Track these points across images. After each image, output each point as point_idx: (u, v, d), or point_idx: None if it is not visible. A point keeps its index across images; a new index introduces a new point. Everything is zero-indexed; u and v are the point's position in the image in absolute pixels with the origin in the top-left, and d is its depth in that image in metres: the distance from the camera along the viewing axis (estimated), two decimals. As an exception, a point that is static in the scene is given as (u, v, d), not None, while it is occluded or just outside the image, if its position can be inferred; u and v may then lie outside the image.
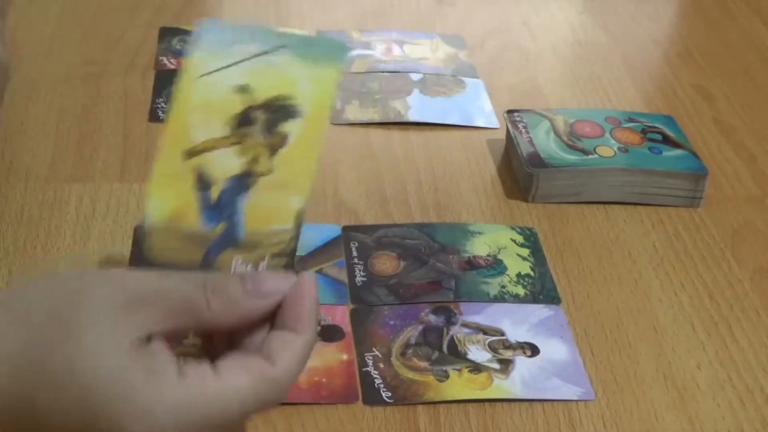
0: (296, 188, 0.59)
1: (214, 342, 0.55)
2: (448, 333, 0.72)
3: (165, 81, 0.99)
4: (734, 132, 0.98)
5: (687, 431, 0.66)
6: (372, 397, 0.66)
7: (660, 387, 0.69)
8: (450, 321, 0.73)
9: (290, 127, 0.58)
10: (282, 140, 0.58)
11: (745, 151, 0.96)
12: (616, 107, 1.01)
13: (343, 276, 0.76)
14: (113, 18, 1.10)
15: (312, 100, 0.58)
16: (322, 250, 0.78)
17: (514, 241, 0.81)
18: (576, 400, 0.68)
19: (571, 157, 0.86)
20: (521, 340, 0.72)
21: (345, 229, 0.81)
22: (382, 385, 0.67)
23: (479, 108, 0.99)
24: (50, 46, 1.04)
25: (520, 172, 0.88)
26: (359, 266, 0.77)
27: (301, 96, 0.59)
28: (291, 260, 0.58)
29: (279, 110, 0.58)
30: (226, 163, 0.57)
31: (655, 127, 0.92)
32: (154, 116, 0.94)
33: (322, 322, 0.71)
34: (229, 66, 0.59)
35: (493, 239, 0.81)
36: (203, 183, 0.57)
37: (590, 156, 0.86)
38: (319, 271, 0.76)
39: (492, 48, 1.11)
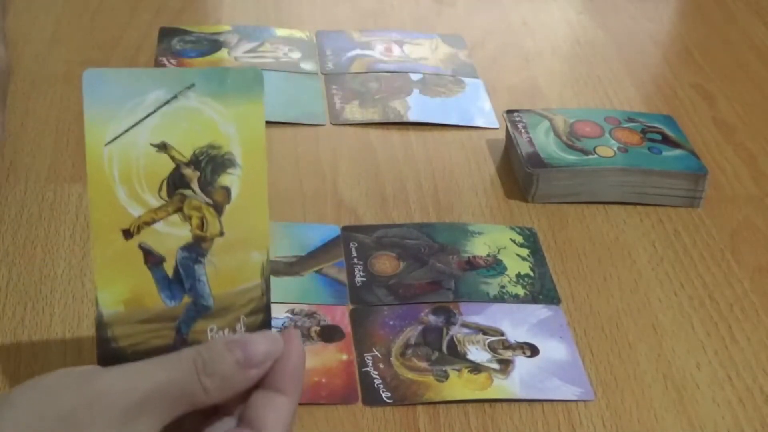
0: (255, 243, 0.56)
1: None
2: (447, 333, 0.72)
3: (165, 81, 0.98)
4: (734, 132, 0.98)
5: (687, 431, 0.66)
6: (372, 398, 0.66)
7: (660, 387, 0.69)
8: (450, 321, 0.73)
9: (229, 180, 0.54)
10: (225, 196, 0.55)
11: (745, 151, 0.96)
12: (615, 107, 1.01)
13: (343, 276, 0.76)
14: (113, 18, 1.10)
15: (241, 143, 0.54)
16: (321, 250, 0.78)
17: (513, 241, 0.81)
18: (576, 401, 0.68)
19: (571, 157, 0.86)
20: (521, 340, 0.72)
21: (345, 229, 0.81)
22: (381, 386, 0.67)
23: (479, 108, 0.99)
24: (50, 46, 1.04)
25: (519, 172, 0.88)
26: (359, 266, 0.77)
27: (227, 141, 0.54)
28: (267, 315, 0.57)
29: (210, 163, 0.54)
30: (172, 234, 0.54)
31: (654, 127, 0.92)
32: (154, 116, 0.93)
33: (322, 323, 0.71)
34: (136, 125, 0.53)
35: (492, 239, 0.81)
36: (153, 259, 0.55)
37: (590, 156, 0.86)
38: (318, 271, 0.76)
39: (492, 48, 1.11)
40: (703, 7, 1.23)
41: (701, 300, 0.77)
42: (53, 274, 0.74)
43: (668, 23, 1.22)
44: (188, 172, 0.55)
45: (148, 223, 0.54)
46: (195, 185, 0.55)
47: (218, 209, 0.55)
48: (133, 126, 0.54)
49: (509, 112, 0.93)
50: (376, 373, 0.68)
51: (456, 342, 0.71)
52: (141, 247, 0.54)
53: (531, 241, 0.81)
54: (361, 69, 1.03)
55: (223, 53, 1.04)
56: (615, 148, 0.88)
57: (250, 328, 0.57)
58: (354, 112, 0.97)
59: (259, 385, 0.54)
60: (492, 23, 1.16)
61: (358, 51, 1.07)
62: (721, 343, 0.73)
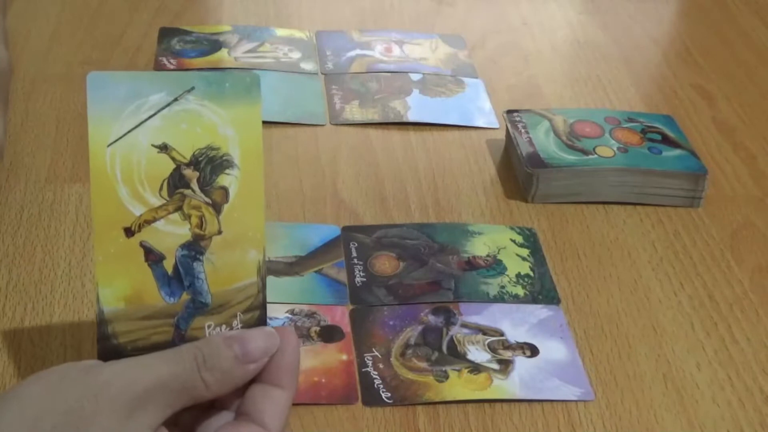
0: (252, 242, 0.57)
1: None
2: (447, 333, 0.72)
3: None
4: (734, 132, 0.98)
5: (687, 431, 0.66)
6: (371, 398, 0.66)
7: (659, 387, 0.69)
8: (449, 321, 0.73)
9: (227, 180, 0.56)
10: (223, 196, 0.56)
11: (745, 151, 0.96)
12: (615, 107, 1.01)
13: (343, 276, 0.76)
14: (113, 18, 1.10)
15: (239, 145, 0.56)
16: (321, 250, 0.78)
17: (513, 241, 0.81)
18: (575, 401, 0.68)
19: (571, 157, 0.86)
20: (521, 340, 0.72)
21: (344, 229, 0.81)
22: (381, 386, 0.67)
23: (479, 108, 0.99)
24: (50, 46, 1.04)
25: (519, 172, 0.88)
26: (359, 266, 0.77)
27: (225, 143, 0.56)
28: (263, 312, 0.58)
29: (209, 164, 0.56)
30: (172, 233, 0.56)
31: (654, 127, 0.92)
32: (154, 116, 0.94)
33: (322, 323, 0.71)
34: (137, 126, 0.55)
35: (492, 239, 0.81)
36: (154, 257, 0.56)
37: (590, 156, 0.86)
38: (318, 272, 0.76)
39: (492, 48, 1.11)
40: (703, 7, 1.23)
41: (701, 300, 0.77)
42: (53, 274, 0.74)
43: (668, 23, 1.22)
44: (188, 172, 0.56)
45: (149, 222, 0.55)
46: (195, 185, 0.56)
47: (217, 209, 0.56)
48: (135, 127, 0.55)
49: (509, 112, 0.93)
50: (375, 373, 0.68)
51: (456, 342, 0.71)
52: (142, 245, 0.55)
53: (531, 241, 0.81)
54: (361, 69, 1.03)
55: (223, 53, 1.04)
56: (615, 148, 0.88)
57: (247, 325, 0.58)
58: (354, 112, 0.97)
59: (256, 379, 0.55)
60: (492, 23, 1.16)
61: (358, 51, 1.07)
62: (721, 343, 0.73)
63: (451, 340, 0.71)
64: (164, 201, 0.56)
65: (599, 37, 1.15)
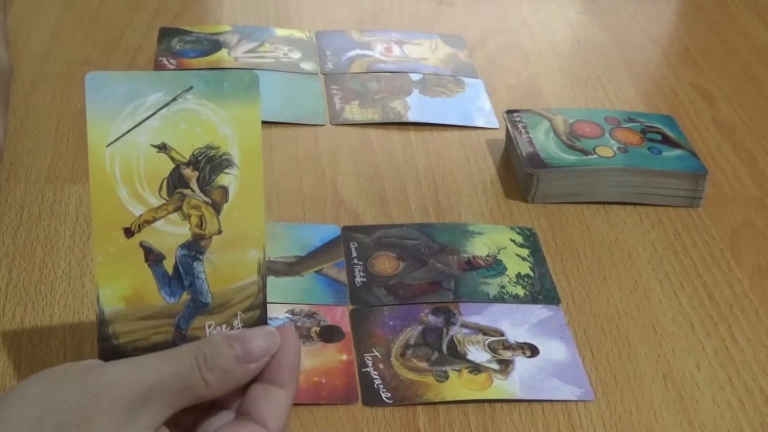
0: (252, 241, 0.57)
1: None
2: (447, 333, 0.72)
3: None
4: (734, 132, 0.98)
5: (687, 431, 0.66)
6: (371, 398, 0.66)
7: (659, 387, 0.69)
8: (449, 321, 0.73)
9: (227, 180, 0.56)
10: (222, 195, 0.56)
11: (745, 151, 0.96)
12: (615, 107, 1.01)
13: (343, 276, 0.76)
14: (113, 18, 1.10)
15: (238, 144, 0.56)
16: (321, 250, 0.78)
17: (513, 241, 0.81)
18: (575, 401, 0.68)
19: (571, 157, 0.86)
20: (521, 340, 0.72)
21: (344, 229, 0.81)
22: (381, 386, 0.67)
23: (479, 108, 0.99)
24: (50, 46, 1.04)
25: (519, 172, 0.88)
26: (359, 267, 0.77)
27: (225, 142, 0.56)
28: (263, 311, 0.58)
29: (208, 163, 0.56)
30: (172, 232, 0.56)
31: (654, 127, 0.92)
32: (154, 116, 0.94)
33: (322, 323, 0.71)
34: (136, 126, 0.55)
35: (492, 239, 0.81)
36: (154, 257, 0.56)
37: (590, 156, 0.86)
38: (318, 272, 0.76)
39: (492, 48, 1.11)
40: (703, 7, 1.23)
41: (701, 300, 0.77)
42: (53, 274, 0.74)
43: (668, 23, 1.22)
44: (187, 172, 0.56)
45: (148, 222, 0.55)
46: (194, 185, 0.56)
47: (216, 208, 0.56)
48: (134, 127, 0.55)
49: (509, 112, 0.93)
50: (376, 373, 0.68)
51: (456, 342, 0.71)
52: (142, 245, 0.55)
53: (531, 241, 0.81)
54: (361, 69, 1.03)
55: (223, 53, 1.04)
56: (615, 148, 0.88)
57: (248, 324, 0.58)
58: (354, 112, 0.97)
59: (257, 378, 0.55)
60: (492, 23, 1.16)
61: (357, 51, 1.07)
62: (721, 343, 0.73)
63: (451, 340, 0.71)
64: (164, 201, 0.56)
65: (599, 37, 1.15)
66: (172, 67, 1.01)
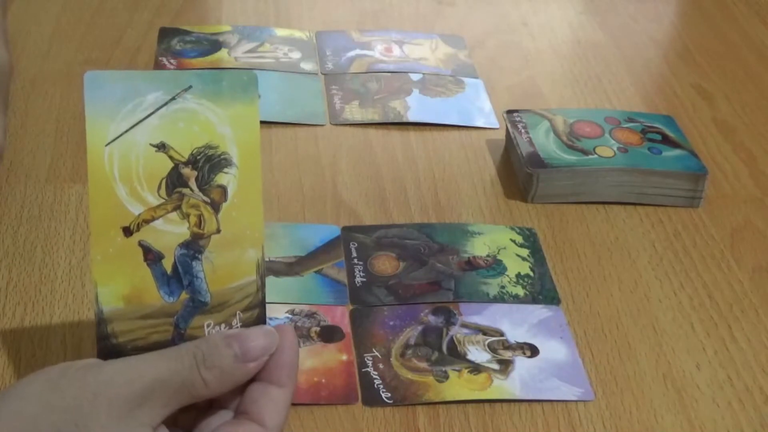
0: (251, 240, 0.57)
1: None
2: (447, 333, 0.72)
3: (165, 81, 0.98)
4: (734, 132, 0.98)
5: (686, 431, 0.66)
6: (371, 398, 0.66)
7: (659, 387, 0.69)
8: (449, 321, 0.73)
9: (225, 179, 0.56)
10: (221, 195, 0.56)
11: (745, 151, 0.96)
12: (615, 107, 1.01)
13: (343, 276, 0.76)
14: (113, 18, 1.10)
15: (237, 143, 0.56)
16: (321, 250, 0.78)
17: (513, 241, 0.81)
18: (575, 401, 0.68)
19: (571, 157, 0.86)
20: (521, 340, 0.72)
21: (344, 229, 0.81)
22: (381, 386, 0.67)
23: (479, 108, 0.99)
24: (50, 46, 1.04)
25: (519, 172, 0.88)
26: (359, 267, 0.77)
27: (223, 141, 0.56)
28: (262, 311, 0.58)
29: (207, 162, 0.56)
30: (171, 232, 0.56)
31: (654, 127, 0.92)
32: (154, 116, 0.94)
33: (322, 323, 0.71)
34: (135, 125, 0.55)
35: (492, 239, 0.81)
36: (153, 256, 0.56)
37: (590, 156, 0.86)
38: (318, 272, 0.76)
39: (492, 48, 1.11)
40: (703, 7, 1.23)
41: (701, 300, 0.77)
42: (53, 274, 0.74)
43: (668, 23, 1.22)
44: (186, 171, 0.56)
45: (147, 221, 0.55)
46: (193, 184, 0.56)
47: (215, 207, 0.56)
48: (132, 126, 0.55)
49: (509, 112, 0.93)
50: (376, 373, 0.68)
51: (456, 342, 0.71)
52: (140, 244, 0.55)
53: (531, 241, 0.81)
54: (361, 69, 1.03)
55: (223, 53, 1.04)
56: (615, 148, 0.88)
57: (246, 324, 0.58)
58: (354, 112, 0.97)
59: (256, 378, 0.55)
60: (492, 23, 1.16)
61: (357, 51, 1.07)
62: (721, 343, 0.73)
63: (451, 340, 0.71)
64: (163, 200, 0.56)
65: (599, 37, 1.15)
66: (172, 67, 1.01)
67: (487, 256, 0.79)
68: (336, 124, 0.95)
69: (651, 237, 0.83)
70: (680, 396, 0.69)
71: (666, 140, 0.90)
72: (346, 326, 0.71)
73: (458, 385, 0.68)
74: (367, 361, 0.69)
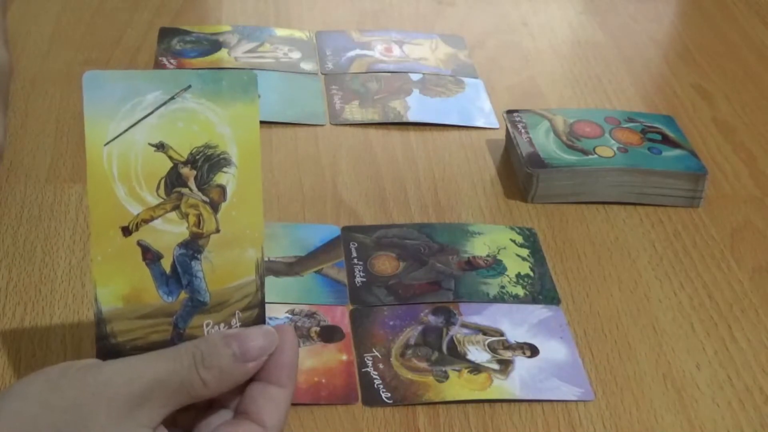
0: (250, 240, 0.57)
1: None
2: (447, 333, 0.72)
3: (165, 81, 0.98)
4: (734, 132, 0.98)
5: (687, 431, 0.66)
6: (371, 398, 0.66)
7: (659, 387, 0.69)
8: (449, 321, 0.73)
9: (225, 178, 0.56)
10: (220, 194, 0.56)
11: (745, 151, 0.96)
12: (615, 107, 1.01)
13: (343, 276, 0.76)
14: (113, 18, 1.10)
15: (237, 142, 0.56)
16: (321, 250, 0.78)
17: (513, 241, 0.81)
18: (575, 401, 0.68)
19: (571, 158, 0.86)
20: (521, 340, 0.72)
21: (344, 229, 0.81)
22: (381, 386, 0.67)
23: (479, 108, 0.99)
24: (50, 46, 1.04)
25: (519, 172, 0.88)
26: (359, 267, 0.77)
27: (223, 141, 0.56)
28: (261, 310, 0.58)
29: (206, 162, 0.55)
30: (170, 231, 0.55)
31: (654, 127, 0.92)
32: (154, 116, 0.94)
33: (322, 323, 0.71)
34: (134, 125, 0.55)
35: (492, 239, 0.81)
36: (152, 256, 0.56)
37: (590, 156, 0.86)
38: (318, 272, 0.76)
39: (492, 48, 1.11)
40: (703, 7, 1.23)
41: (701, 300, 0.77)
42: (53, 274, 0.74)
43: (668, 23, 1.22)
44: (185, 171, 0.56)
45: (146, 221, 0.55)
46: (192, 184, 0.56)
47: (214, 207, 0.56)
48: (131, 126, 0.55)
49: (509, 112, 0.93)
50: (376, 373, 0.68)
51: (456, 342, 0.71)
52: (139, 244, 0.55)
53: (531, 241, 0.81)
54: (361, 69, 1.03)
55: (223, 53, 1.04)
56: (615, 148, 0.88)
57: (246, 323, 0.58)
58: (354, 112, 0.97)
59: (255, 378, 0.55)
60: (492, 23, 1.16)
61: (357, 51, 1.07)
62: (721, 343, 0.73)
63: (451, 340, 0.71)
64: (162, 200, 0.56)
65: (599, 37, 1.15)
66: (172, 66, 1.01)
67: (487, 256, 0.79)
68: (336, 124, 0.95)
69: (651, 237, 0.83)
70: (680, 396, 0.69)
71: (666, 140, 0.90)
72: (346, 326, 0.71)
73: (458, 385, 0.68)
74: (367, 361, 0.69)
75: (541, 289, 0.76)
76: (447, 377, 0.68)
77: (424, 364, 0.69)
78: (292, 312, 0.72)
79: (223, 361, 0.53)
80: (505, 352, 0.71)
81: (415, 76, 1.02)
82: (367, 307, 0.73)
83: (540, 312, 0.74)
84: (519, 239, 0.81)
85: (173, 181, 0.56)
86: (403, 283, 0.76)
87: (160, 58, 1.02)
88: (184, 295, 0.57)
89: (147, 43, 1.05)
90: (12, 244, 0.77)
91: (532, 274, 0.78)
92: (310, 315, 0.72)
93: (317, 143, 0.92)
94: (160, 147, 0.55)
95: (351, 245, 0.79)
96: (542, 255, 0.80)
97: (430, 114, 0.97)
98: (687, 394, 0.69)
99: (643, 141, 0.89)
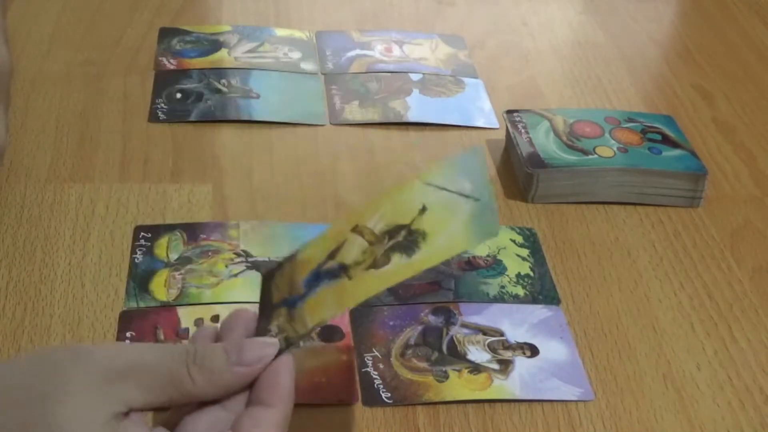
0: (341, 304, 0.57)
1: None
2: (447, 333, 0.72)
3: (165, 81, 0.99)
4: (734, 132, 0.98)
5: (686, 431, 0.66)
6: (371, 398, 0.66)
7: (659, 387, 0.69)
8: (449, 321, 0.73)
9: (398, 259, 0.56)
10: (384, 263, 0.56)
11: (745, 151, 0.96)
12: (615, 107, 1.01)
13: (343, 276, 0.76)
14: (113, 18, 1.10)
15: (431, 251, 0.56)
16: (321, 250, 0.78)
17: (513, 241, 0.81)
18: (575, 401, 0.68)
19: (571, 158, 0.86)
20: (521, 340, 0.72)
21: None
22: (381, 386, 0.67)
23: (479, 108, 0.99)
24: (50, 46, 1.04)
25: (519, 172, 0.88)
26: (359, 266, 0.77)
27: (432, 243, 0.56)
28: (285, 347, 0.57)
29: (409, 242, 0.56)
30: (351, 250, 0.57)
31: (654, 127, 0.92)
32: (154, 116, 0.94)
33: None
34: (441, 188, 0.57)
35: (492, 239, 0.81)
36: (332, 253, 0.58)
37: (590, 156, 0.86)
38: (318, 272, 0.76)
39: (492, 48, 1.11)
40: (703, 7, 1.23)
41: (701, 300, 0.77)
42: (53, 274, 0.74)
43: (668, 23, 1.22)
44: (403, 233, 0.57)
45: (359, 234, 0.58)
46: (392, 243, 0.56)
47: (372, 265, 0.56)
48: (441, 188, 0.57)
49: (509, 112, 0.93)
50: (376, 373, 0.68)
51: (456, 342, 0.71)
52: (341, 242, 0.58)
53: (531, 241, 0.81)
54: (360, 69, 1.03)
55: (223, 53, 1.04)
56: (615, 148, 0.88)
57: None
58: (354, 112, 0.97)
59: (250, 401, 0.54)
60: (492, 23, 1.16)
61: (357, 51, 1.07)
62: (721, 343, 0.73)
63: (451, 340, 0.71)
64: (378, 234, 0.57)
65: (599, 37, 1.15)
66: (172, 66, 1.01)
67: (487, 256, 0.79)
68: (336, 124, 0.95)
69: (651, 237, 0.83)
70: (680, 396, 0.69)
71: (666, 140, 0.90)
72: (346, 326, 0.71)
73: (458, 385, 0.68)
74: (367, 361, 0.69)
75: (541, 289, 0.76)
76: (447, 377, 0.68)
77: (424, 364, 0.69)
78: (292, 312, 0.72)
79: (215, 362, 0.53)
80: (505, 352, 0.71)
81: (415, 76, 1.02)
82: (367, 307, 0.73)
83: (540, 312, 0.74)
84: (519, 239, 0.81)
85: (395, 230, 0.57)
86: (403, 283, 0.76)
87: (160, 58, 1.02)
88: (302, 291, 0.58)
89: (147, 43, 1.05)
90: (12, 244, 0.77)
91: (532, 274, 0.78)
92: (310, 315, 0.72)
93: (317, 143, 0.92)
94: (422, 210, 0.57)
95: (351, 245, 0.79)
96: (542, 255, 0.80)
97: (430, 114, 0.97)
98: (687, 394, 0.69)
99: (643, 141, 0.89)
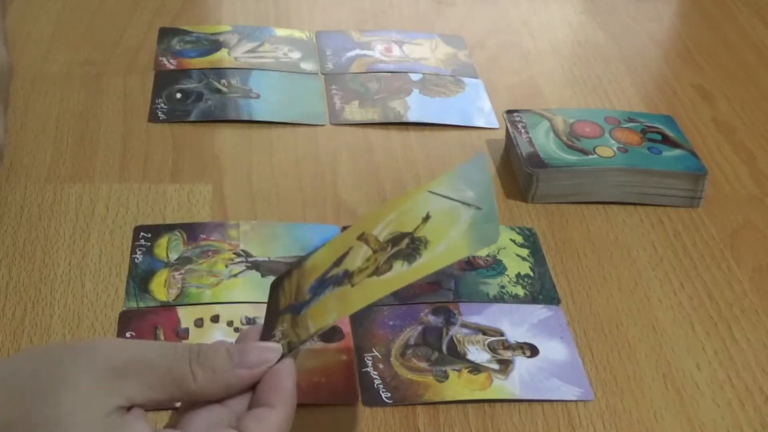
0: (342, 310, 0.57)
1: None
2: (447, 333, 0.72)
3: (164, 81, 0.99)
4: (734, 132, 0.98)
5: (686, 431, 0.66)
6: (371, 398, 0.66)
7: (659, 387, 0.69)
8: (449, 321, 0.73)
9: (399, 266, 0.57)
10: (386, 270, 0.57)
11: (745, 151, 0.96)
12: (615, 107, 1.01)
13: (343, 276, 0.76)
14: (113, 18, 1.10)
15: (432, 258, 0.57)
16: (321, 250, 0.78)
17: (513, 241, 0.81)
18: (575, 401, 0.68)
19: (571, 157, 0.86)
20: (521, 340, 0.72)
21: (344, 229, 0.81)
22: (381, 386, 0.67)
23: (479, 108, 0.99)
24: (50, 46, 1.04)
25: (519, 172, 0.88)
26: (359, 266, 0.77)
27: (432, 250, 0.57)
28: (288, 352, 0.57)
29: (411, 250, 0.57)
30: (356, 257, 0.58)
31: (654, 127, 0.92)
32: (154, 116, 0.94)
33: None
34: (445, 197, 0.58)
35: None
36: (338, 260, 0.58)
37: (590, 156, 0.86)
38: (318, 272, 0.76)
39: (492, 48, 1.11)
40: (703, 7, 1.23)
41: (701, 300, 0.77)
42: (53, 274, 0.74)
43: (668, 23, 1.22)
44: (405, 241, 0.58)
45: (365, 242, 0.59)
46: (394, 251, 0.57)
47: (375, 272, 0.57)
48: (443, 196, 0.58)
49: (509, 112, 0.93)
50: (375, 373, 0.68)
51: (456, 342, 0.71)
52: (347, 248, 0.59)
53: (531, 241, 0.81)
54: (361, 69, 1.03)
55: (223, 53, 1.04)
56: (615, 148, 0.88)
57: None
58: (354, 112, 0.97)
59: (252, 403, 0.54)
60: (492, 23, 1.16)
61: (357, 51, 1.07)
62: (721, 343, 0.73)
63: (451, 340, 0.71)
64: (382, 243, 0.58)
65: (599, 37, 1.15)
66: (172, 66, 1.01)
67: (487, 256, 0.79)
68: (336, 124, 0.95)
69: (651, 237, 0.83)
70: (680, 396, 0.69)
71: (666, 140, 0.90)
72: (346, 326, 0.71)
73: (458, 385, 0.68)
74: (367, 361, 0.69)
75: (541, 289, 0.76)
76: (447, 377, 0.68)
77: (424, 364, 0.69)
78: (292, 312, 0.72)
79: (217, 361, 0.53)
80: (505, 352, 0.71)
81: (415, 76, 1.02)
82: (367, 307, 0.73)
83: (540, 312, 0.74)
84: (519, 239, 0.81)
85: (397, 238, 0.58)
86: (403, 284, 0.76)
87: (160, 58, 1.02)
88: (307, 297, 0.58)
89: (147, 43, 1.05)
90: (12, 244, 0.77)
91: (532, 274, 0.78)
92: (310, 315, 0.72)
93: (317, 143, 0.92)
94: (425, 219, 0.58)
95: (351, 245, 0.79)
96: (542, 255, 0.80)
97: (430, 114, 0.97)
98: (687, 394, 0.69)
99: (643, 141, 0.89)
